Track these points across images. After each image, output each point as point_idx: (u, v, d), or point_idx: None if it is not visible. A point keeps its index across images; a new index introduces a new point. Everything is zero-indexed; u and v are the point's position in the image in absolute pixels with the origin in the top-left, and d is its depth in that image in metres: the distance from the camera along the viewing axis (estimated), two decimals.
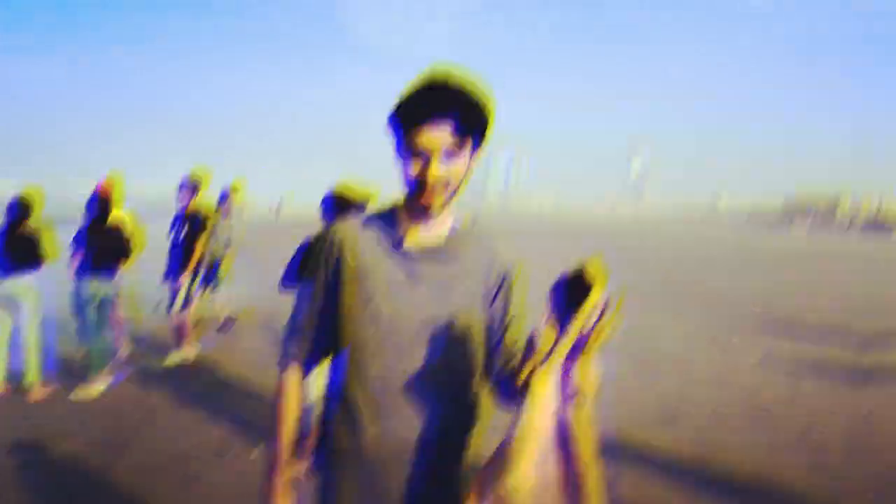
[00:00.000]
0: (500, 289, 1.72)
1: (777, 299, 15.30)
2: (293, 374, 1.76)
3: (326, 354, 1.80)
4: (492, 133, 1.60)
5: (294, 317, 1.77)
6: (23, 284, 5.90)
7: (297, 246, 4.65)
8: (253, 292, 12.38)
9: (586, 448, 1.42)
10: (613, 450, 5.14)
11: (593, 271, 1.39)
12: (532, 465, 1.40)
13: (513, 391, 1.71)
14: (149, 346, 7.77)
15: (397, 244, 1.65)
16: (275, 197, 66.70)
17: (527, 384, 1.43)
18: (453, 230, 1.69)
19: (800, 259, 33.69)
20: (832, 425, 6.00)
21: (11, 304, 5.91)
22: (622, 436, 5.54)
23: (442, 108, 1.48)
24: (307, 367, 1.79)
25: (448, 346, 1.64)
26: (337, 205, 4.66)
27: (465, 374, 1.69)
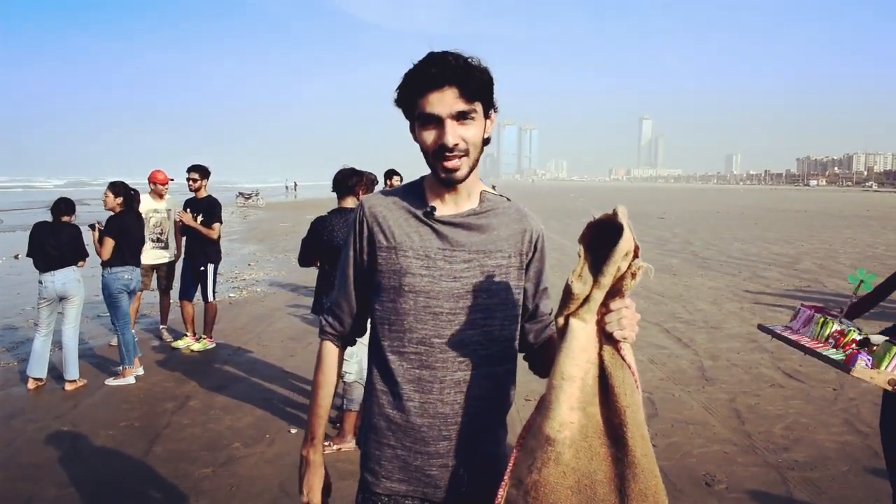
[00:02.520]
0: (533, 256, 1.72)
1: (800, 256, 15.19)
2: (330, 348, 1.80)
3: (365, 327, 1.82)
4: (496, 98, 1.62)
5: (333, 290, 1.81)
6: (73, 279, 5.99)
7: (308, 225, 4.78)
8: (282, 269, 12.47)
9: (627, 392, 1.37)
10: (652, 408, 5.16)
11: (622, 215, 1.35)
12: (573, 410, 1.37)
13: (547, 358, 1.69)
14: (177, 332, 7.83)
15: (429, 214, 1.64)
16: (289, 179, 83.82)
17: (564, 329, 1.40)
18: (484, 199, 1.68)
19: (819, 216, 33.40)
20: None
21: (59, 300, 6.01)
22: (660, 395, 5.57)
23: (445, 74, 1.50)
24: (346, 341, 1.83)
25: (485, 315, 1.63)
26: (346, 179, 4.78)
27: (502, 343, 1.67)
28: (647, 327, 8.06)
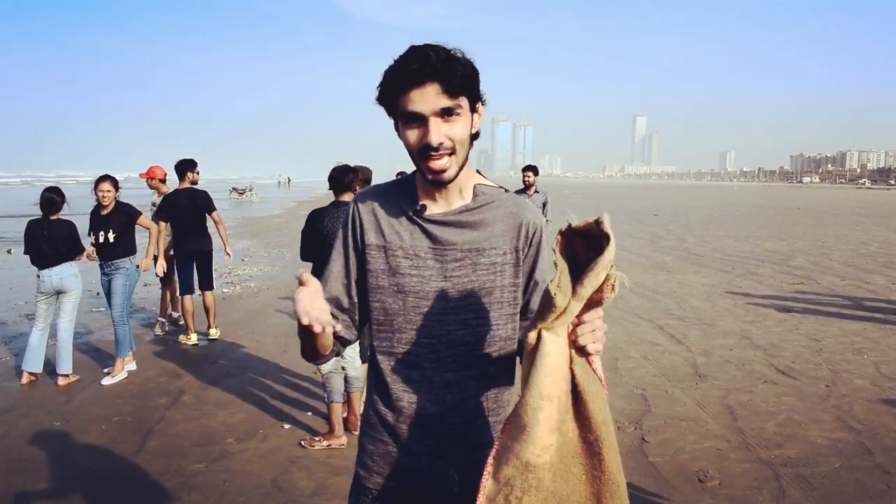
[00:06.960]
0: (528, 251, 1.65)
1: (794, 253, 15.23)
2: None
3: (361, 326, 1.75)
4: (482, 91, 1.55)
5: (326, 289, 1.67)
6: (71, 274, 5.97)
7: (306, 219, 4.77)
8: (276, 264, 12.44)
9: (601, 407, 1.31)
10: (645, 405, 5.16)
11: (608, 224, 1.27)
12: (552, 431, 1.29)
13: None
14: (173, 327, 7.82)
15: (419, 212, 1.59)
16: (282, 175, 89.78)
17: (537, 343, 1.30)
18: (478, 193, 1.62)
19: (813, 213, 33.51)
20: (856, 379, 5.99)
21: (56, 295, 5.99)
22: (653, 392, 5.57)
23: (426, 69, 1.44)
24: (344, 340, 1.71)
25: (477, 315, 1.58)
26: (342, 176, 4.76)
27: (496, 343, 1.61)
28: (640, 324, 8.08)
